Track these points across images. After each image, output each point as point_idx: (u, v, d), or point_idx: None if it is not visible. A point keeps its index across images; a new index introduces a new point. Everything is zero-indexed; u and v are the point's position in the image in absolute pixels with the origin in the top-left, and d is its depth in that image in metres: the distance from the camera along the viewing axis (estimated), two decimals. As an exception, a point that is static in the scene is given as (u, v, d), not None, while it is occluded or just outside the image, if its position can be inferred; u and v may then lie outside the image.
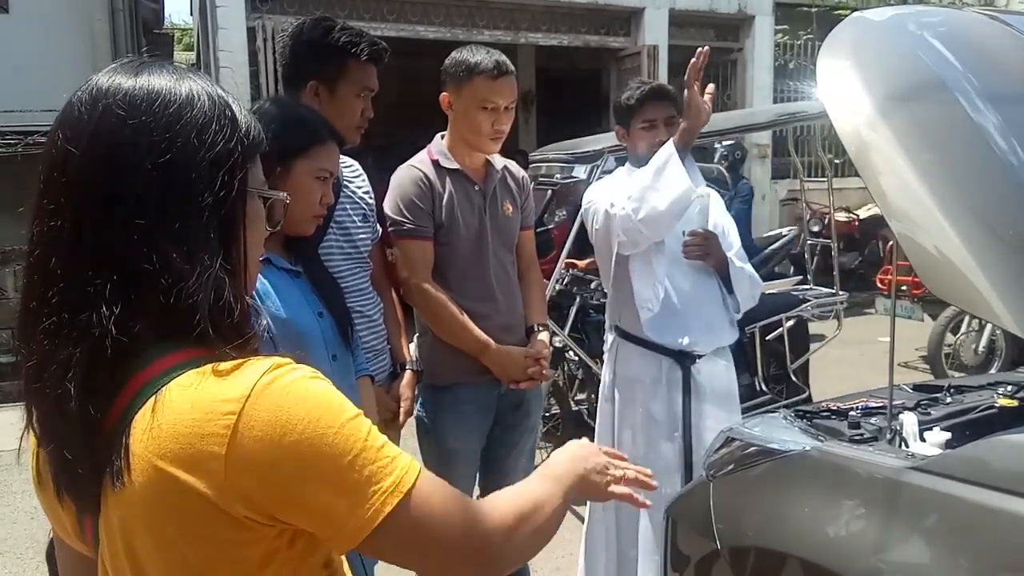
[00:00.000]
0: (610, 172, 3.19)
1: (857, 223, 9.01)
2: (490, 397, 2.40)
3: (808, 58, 10.17)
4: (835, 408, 1.84)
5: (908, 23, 1.78)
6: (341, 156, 1.98)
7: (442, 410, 2.37)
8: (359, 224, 2.21)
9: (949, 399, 1.89)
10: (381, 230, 2.34)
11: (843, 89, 1.65)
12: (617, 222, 2.49)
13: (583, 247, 4.46)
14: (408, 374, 2.32)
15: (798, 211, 8.33)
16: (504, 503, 0.93)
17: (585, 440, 1.16)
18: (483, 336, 2.30)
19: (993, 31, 1.76)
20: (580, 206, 2.88)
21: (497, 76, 2.23)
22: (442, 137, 2.39)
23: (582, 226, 2.98)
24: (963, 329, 5.92)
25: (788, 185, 9.76)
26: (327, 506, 0.79)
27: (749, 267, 2.71)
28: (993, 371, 5.63)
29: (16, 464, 0.99)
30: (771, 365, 4.56)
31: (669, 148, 2.38)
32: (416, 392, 2.36)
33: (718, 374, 2.68)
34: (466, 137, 2.31)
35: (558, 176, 4.92)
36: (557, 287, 4.57)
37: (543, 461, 1.30)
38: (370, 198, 2.29)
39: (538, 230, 3.11)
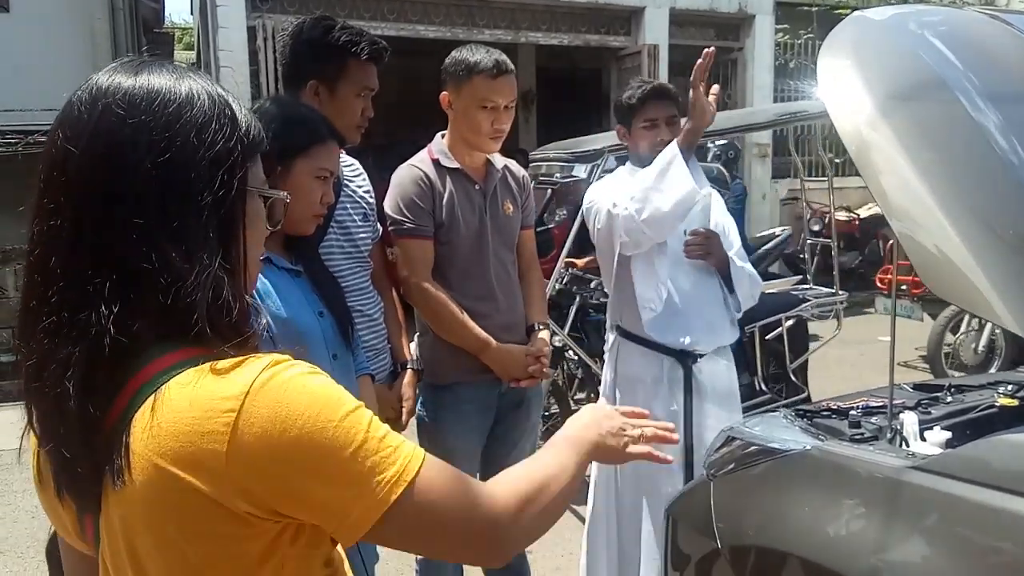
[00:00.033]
0: (611, 171, 3.19)
1: (857, 222, 9.01)
2: (491, 396, 2.40)
3: (808, 57, 10.16)
4: (835, 407, 1.84)
5: (909, 22, 1.78)
6: (341, 155, 1.98)
7: (443, 409, 2.37)
8: (359, 223, 2.21)
9: (949, 398, 1.89)
10: (381, 229, 2.34)
11: (844, 88, 1.65)
12: (620, 222, 2.48)
13: (583, 246, 4.47)
14: (409, 373, 2.33)
15: (798, 210, 8.32)
16: (511, 484, 0.92)
17: (602, 402, 1.15)
18: (483, 334, 2.30)
19: (994, 30, 1.75)
20: (580, 205, 2.88)
21: (497, 75, 2.23)
22: (442, 136, 2.39)
23: (582, 225, 2.98)
24: (963, 328, 5.92)
25: (788, 184, 9.75)
26: (330, 498, 0.79)
27: (749, 266, 2.71)
28: (993, 370, 5.63)
29: (17, 463, 0.99)
30: (770, 365, 4.56)
31: (673, 149, 2.37)
32: (416, 391, 2.36)
33: (719, 373, 2.68)
34: (466, 136, 2.31)
35: (558, 175, 4.92)
36: (557, 286, 4.56)
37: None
38: (370, 197, 2.29)
39: (538, 229, 3.11)
